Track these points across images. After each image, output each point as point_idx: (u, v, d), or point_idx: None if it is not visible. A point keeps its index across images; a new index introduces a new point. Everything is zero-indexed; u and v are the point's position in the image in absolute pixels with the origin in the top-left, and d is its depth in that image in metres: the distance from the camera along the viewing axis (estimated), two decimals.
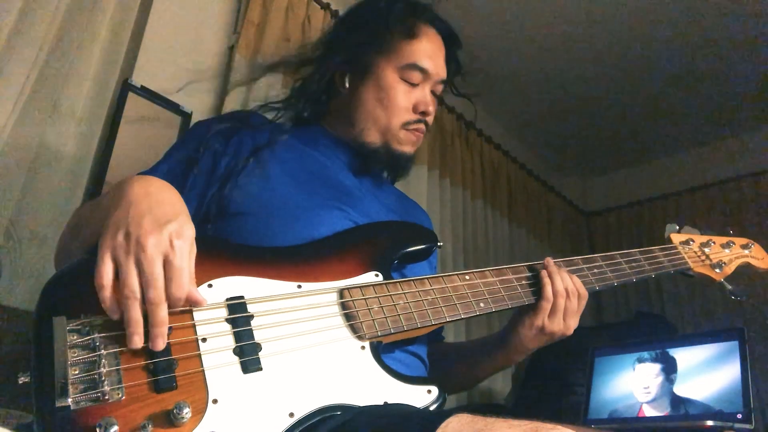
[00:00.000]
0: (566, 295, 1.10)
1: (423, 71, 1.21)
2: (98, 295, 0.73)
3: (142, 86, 1.85)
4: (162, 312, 0.75)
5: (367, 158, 1.24)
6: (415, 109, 1.22)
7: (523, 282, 1.12)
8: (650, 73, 3.12)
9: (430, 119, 1.25)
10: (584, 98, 3.36)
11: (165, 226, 0.76)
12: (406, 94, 1.21)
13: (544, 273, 1.11)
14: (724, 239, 1.50)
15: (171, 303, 0.76)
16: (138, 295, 0.73)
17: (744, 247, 1.50)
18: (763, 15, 2.69)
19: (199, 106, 2.01)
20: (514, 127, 3.60)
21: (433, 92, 1.26)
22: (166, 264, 0.75)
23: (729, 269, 1.44)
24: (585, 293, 1.13)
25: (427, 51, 1.23)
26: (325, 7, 2.41)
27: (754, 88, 3.17)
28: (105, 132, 1.75)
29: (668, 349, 1.90)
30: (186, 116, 1.94)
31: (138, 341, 0.73)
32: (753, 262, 1.49)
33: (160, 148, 1.83)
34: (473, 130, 3.16)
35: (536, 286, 1.12)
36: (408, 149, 1.24)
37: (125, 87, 1.80)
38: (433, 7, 1.28)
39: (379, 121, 1.21)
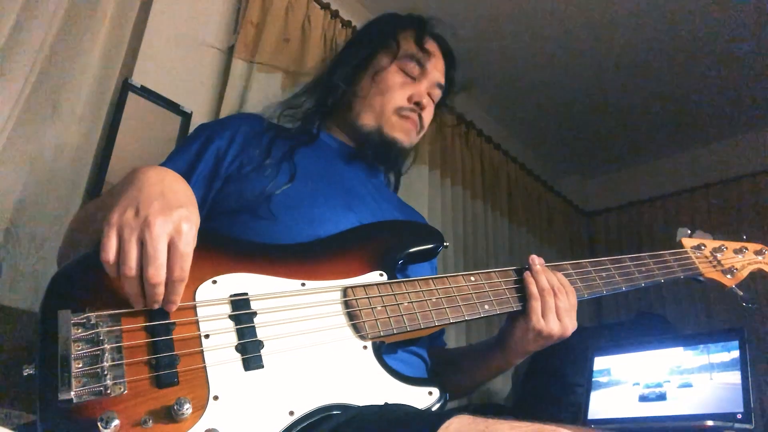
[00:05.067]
0: (553, 292, 1.08)
1: (421, 65, 1.29)
2: (106, 270, 0.74)
3: (142, 86, 1.85)
4: (158, 291, 0.75)
5: (362, 143, 1.27)
6: (410, 100, 1.28)
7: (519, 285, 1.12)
8: (650, 73, 3.13)
9: (425, 114, 1.31)
10: (584, 98, 3.36)
11: (175, 210, 0.76)
12: (402, 85, 1.28)
13: (527, 274, 1.10)
14: (737, 245, 1.48)
15: (169, 287, 0.76)
16: (135, 272, 0.73)
17: (757, 253, 1.49)
18: (764, 16, 2.69)
19: (199, 106, 2.01)
20: (514, 127, 3.60)
21: (431, 97, 1.32)
22: (171, 247, 0.75)
23: (741, 275, 1.42)
24: (572, 288, 1.11)
25: (428, 54, 1.30)
26: (325, 7, 2.41)
27: (755, 89, 3.17)
28: (105, 132, 1.75)
29: (668, 349, 1.90)
30: (186, 116, 1.95)
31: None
32: (766, 268, 1.47)
33: (160, 148, 1.86)
34: (473, 130, 3.16)
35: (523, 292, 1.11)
36: (400, 136, 1.28)
37: (125, 87, 1.80)
38: (438, 27, 1.37)
39: (375, 105, 1.27)
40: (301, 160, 1.17)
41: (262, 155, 1.13)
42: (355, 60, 1.31)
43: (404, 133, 1.28)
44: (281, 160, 1.13)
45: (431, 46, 1.33)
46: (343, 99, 1.31)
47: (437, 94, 1.34)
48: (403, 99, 1.27)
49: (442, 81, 1.34)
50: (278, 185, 1.08)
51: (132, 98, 1.82)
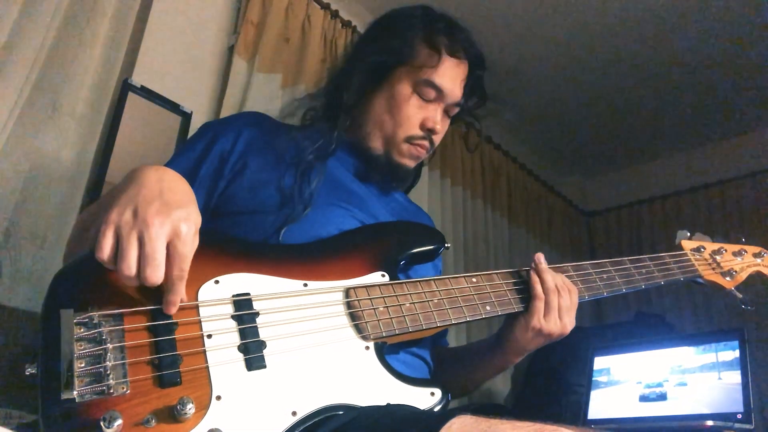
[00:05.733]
0: (557, 291, 1.08)
1: (438, 90, 1.21)
2: (107, 268, 0.74)
3: (142, 86, 1.84)
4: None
5: (369, 164, 1.24)
6: (422, 126, 1.21)
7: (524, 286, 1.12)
8: (651, 73, 3.13)
9: (436, 138, 1.25)
10: (584, 98, 3.36)
11: (174, 211, 0.76)
12: (416, 109, 1.21)
13: (533, 273, 1.10)
14: (736, 247, 1.49)
15: (168, 287, 0.76)
16: (134, 271, 0.73)
17: (756, 255, 1.49)
18: (764, 16, 2.69)
19: (199, 106, 2.01)
20: (514, 127, 3.60)
21: (446, 113, 1.26)
22: (170, 247, 0.75)
23: (740, 277, 1.43)
24: (574, 288, 1.11)
25: (447, 71, 1.21)
26: (325, 7, 2.41)
27: (755, 88, 3.18)
28: (105, 132, 1.75)
29: (668, 349, 1.90)
30: (186, 116, 1.94)
31: None
32: (765, 270, 1.48)
33: (160, 148, 1.86)
34: (473, 130, 3.16)
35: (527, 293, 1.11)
36: (408, 162, 1.25)
37: (125, 87, 1.80)
38: (466, 31, 1.27)
39: (385, 129, 1.22)
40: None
41: (279, 177, 1.10)
42: (372, 72, 1.23)
43: (413, 159, 1.25)
44: (300, 186, 1.10)
45: (456, 60, 1.23)
46: (354, 112, 1.26)
47: (454, 111, 1.28)
48: (416, 126, 1.21)
49: (460, 98, 1.26)
50: (296, 216, 1.05)
51: (132, 98, 1.82)
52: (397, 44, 1.23)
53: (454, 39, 1.24)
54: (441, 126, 1.23)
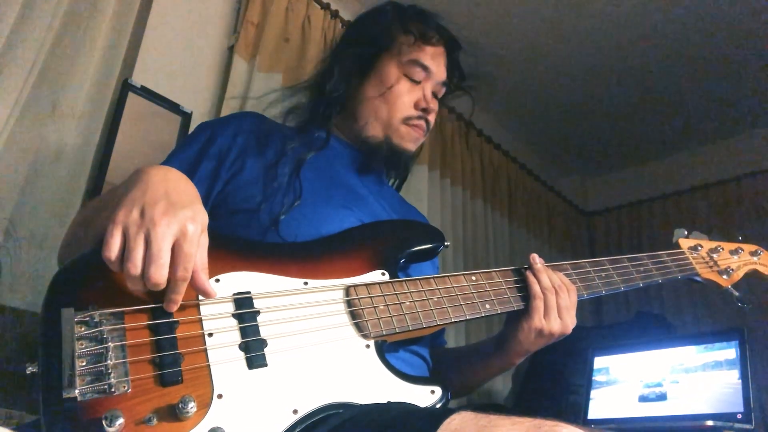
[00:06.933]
0: (554, 290, 1.09)
1: (425, 69, 1.26)
2: (109, 266, 0.74)
3: (142, 86, 1.84)
4: (159, 290, 0.75)
5: (370, 154, 1.26)
6: (416, 106, 1.26)
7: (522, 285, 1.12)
8: (650, 73, 3.13)
9: (431, 117, 1.29)
10: (584, 98, 3.36)
11: (180, 211, 0.76)
12: (408, 90, 1.25)
13: (529, 273, 1.11)
14: (733, 245, 1.49)
15: (171, 286, 0.76)
16: (139, 270, 0.73)
17: (753, 254, 1.50)
18: (763, 15, 2.69)
19: (199, 106, 2.01)
20: (514, 127, 3.60)
21: (434, 94, 1.30)
22: (176, 247, 0.75)
23: (737, 276, 1.43)
24: (573, 286, 1.12)
25: (430, 52, 1.28)
26: (325, 7, 2.41)
27: (755, 88, 3.18)
28: (105, 132, 1.75)
29: (668, 349, 1.90)
30: (186, 116, 1.94)
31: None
32: (761, 269, 1.49)
33: (160, 149, 1.85)
34: (473, 130, 3.16)
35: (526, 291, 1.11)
36: (408, 145, 1.27)
37: (125, 87, 1.80)
38: (437, 16, 1.34)
39: (381, 115, 1.25)
40: (306, 165, 1.17)
41: (269, 172, 1.12)
42: (357, 64, 1.28)
43: (413, 142, 1.28)
44: (289, 178, 1.12)
45: (433, 38, 1.30)
46: (347, 103, 1.29)
47: (442, 91, 1.33)
48: (410, 107, 1.25)
49: (445, 77, 1.32)
50: (286, 208, 1.07)
51: (132, 98, 1.82)
52: (376, 34, 1.29)
53: (428, 24, 1.30)
54: (433, 104, 1.28)
